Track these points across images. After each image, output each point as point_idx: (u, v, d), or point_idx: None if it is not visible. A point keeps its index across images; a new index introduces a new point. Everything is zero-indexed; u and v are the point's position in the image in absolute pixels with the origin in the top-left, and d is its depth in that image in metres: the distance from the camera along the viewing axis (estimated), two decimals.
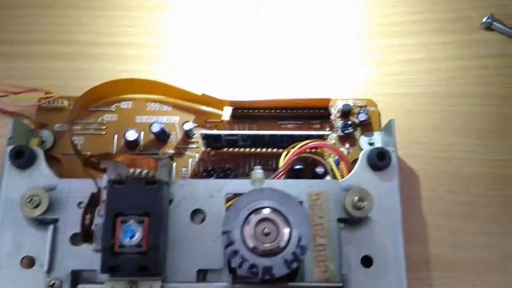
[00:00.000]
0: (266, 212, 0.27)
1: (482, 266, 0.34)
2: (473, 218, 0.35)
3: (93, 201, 0.29)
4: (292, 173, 0.35)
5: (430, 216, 0.35)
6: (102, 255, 0.27)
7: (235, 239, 0.27)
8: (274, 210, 0.27)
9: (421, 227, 0.35)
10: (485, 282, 0.34)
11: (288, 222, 0.27)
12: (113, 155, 0.29)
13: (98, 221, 0.28)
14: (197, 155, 0.36)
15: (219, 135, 0.34)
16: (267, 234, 0.27)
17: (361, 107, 0.37)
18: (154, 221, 0.27)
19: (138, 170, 0.29)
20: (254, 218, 0.27)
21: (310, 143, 0.34)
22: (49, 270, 0.30)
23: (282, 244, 0.27)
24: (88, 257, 0.30)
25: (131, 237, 0.27)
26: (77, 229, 0.30)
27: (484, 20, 0.39)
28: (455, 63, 0.39)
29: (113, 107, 0.37)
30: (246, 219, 0.27)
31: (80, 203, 0.30)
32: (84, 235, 0.29)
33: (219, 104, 0.37)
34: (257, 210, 0.27)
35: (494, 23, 0.39)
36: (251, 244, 0.27)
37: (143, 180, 0.28)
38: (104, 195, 0.28)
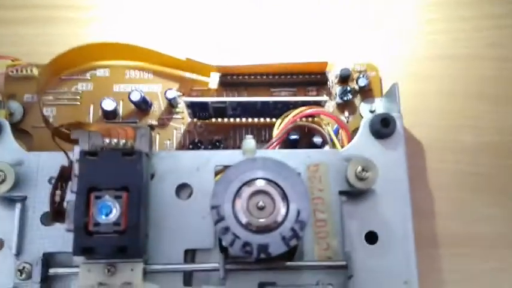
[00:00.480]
0: (260, 183, 0.24)
1: (494, 240, 0.32)
2: (484, 190, 0.33)
3: (64, 175, 0.26)
4: (287, 144, 0.32)
5: (437, 188, 0.33)
6: (74, 236, 0.24)
7: (225, 214, 0.24)
8: (269, 181, 0.24)
9: (428, 200, 0.33)
10: (497, 257, 0.31)
11: (284, 195, 0.24)
12: (85, 124, 0.26)
13: (70, 197, 0.25)
14: (182, 126, 0.33)
15: (205, 103, 0.31)
16: (261, 208, 0.24)
17: (360, 71, 0.34)
18: (134, 196, 0.24)
19: (115, 140, 0.26)
20: (247, 191, 0.24)
21: (306, 110, 0.31)
22: (18, 253, 0.27)
23: (279, 219, 0.24)
24: (61, 237, 0.27)
25: (107, 215, 0.24)
26: (48, 207, 0.27)
27: None
28: (468, 23, 0.36)
29: (88, 75, 0.34)
30: (238, 192, 0.24)
31: (50, 179, 0.27)
32: (55, 214, 0.25)
33: (206, 70, 0.33)
34: (250, 181, 0.24)
35: None
36: (244, 219, 0.24)
37: (119, 151, 0.25)
38: (76, 169, 0.25)
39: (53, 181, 0.27)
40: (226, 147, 0.33)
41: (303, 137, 0.32)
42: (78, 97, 0.34)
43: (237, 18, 0.36)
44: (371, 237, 0.28)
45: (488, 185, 0.33)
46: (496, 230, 0.32)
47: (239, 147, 0.29)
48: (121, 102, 0.33)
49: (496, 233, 0.32)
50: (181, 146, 0.33)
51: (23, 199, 0.27)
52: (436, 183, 0.33)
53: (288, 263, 0.26)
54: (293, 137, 0.31)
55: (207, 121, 0.33)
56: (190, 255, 0.27)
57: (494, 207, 0.32)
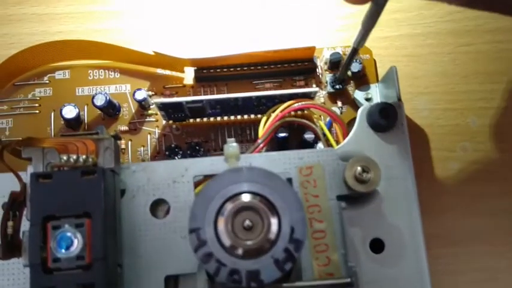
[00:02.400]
0: (245, 198, 0.21)
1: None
2: (497, 179, 0.29)
3: (16, 202, 0.22)
4: (275, 144, 0.29)
5: (444, 180, 0.29)
6: (30, 275, 0.20)
7: (207, 239, 0.20)
8: (255, 195, 0.21)
9: (435, 195, 0.29)
10: None
11: (275, 210, 0.20)
12: (37, 140, 0.22)
13: (27, 227, 0.21)
14: (157, 130, 0.30)
15: (179, 104, 0.27)
16: (248, 228, 0.20)
17: None
18: (98, 223, 0.21)
19: (74, 157, 0.22)
20: (230, 208, 0.20)
21: (294, 103, 0.27)
22: None
23: (270, 239, 0.20)
24: (23, 273, 0.23)
25: (68, 248, 0.20)
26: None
27: None
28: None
29: (46, 79, 0.30)
30: (220, 211, 0.20)
31: (3, 205, 0.23)
32: (8, 248, 0.22)
33: (178, 64, 0.30)
34: (233, 197, 0.20)
35: None
36: (228, 243, 0.20)
37: (78, 170, 0.21)
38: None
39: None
40: (207, 151, 0.29)
41: (293, 135, 0.29)
42: (37, 104, 0.30)
43: (209, 3, 0.32)
44: (377, 246, 0.25)
45: (501, 172, 0.29)
46: None
47: (221, 150, 0.25)
48: (85, 108, 0.30)
49: None
50: (157, 153, 0.29)
51: None
52: (443, 174, 0.30)
53: (285, 285, 0.23)
54: (281, 134, 0.28)
55: (184, 122, 0.30)
56: (173, 282, 0.24)
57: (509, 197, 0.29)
